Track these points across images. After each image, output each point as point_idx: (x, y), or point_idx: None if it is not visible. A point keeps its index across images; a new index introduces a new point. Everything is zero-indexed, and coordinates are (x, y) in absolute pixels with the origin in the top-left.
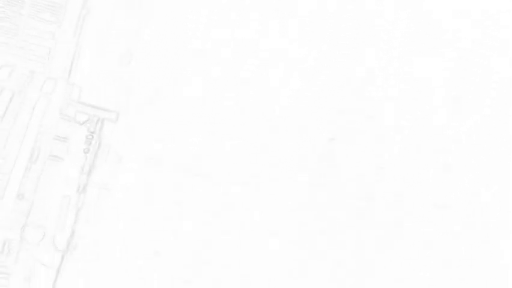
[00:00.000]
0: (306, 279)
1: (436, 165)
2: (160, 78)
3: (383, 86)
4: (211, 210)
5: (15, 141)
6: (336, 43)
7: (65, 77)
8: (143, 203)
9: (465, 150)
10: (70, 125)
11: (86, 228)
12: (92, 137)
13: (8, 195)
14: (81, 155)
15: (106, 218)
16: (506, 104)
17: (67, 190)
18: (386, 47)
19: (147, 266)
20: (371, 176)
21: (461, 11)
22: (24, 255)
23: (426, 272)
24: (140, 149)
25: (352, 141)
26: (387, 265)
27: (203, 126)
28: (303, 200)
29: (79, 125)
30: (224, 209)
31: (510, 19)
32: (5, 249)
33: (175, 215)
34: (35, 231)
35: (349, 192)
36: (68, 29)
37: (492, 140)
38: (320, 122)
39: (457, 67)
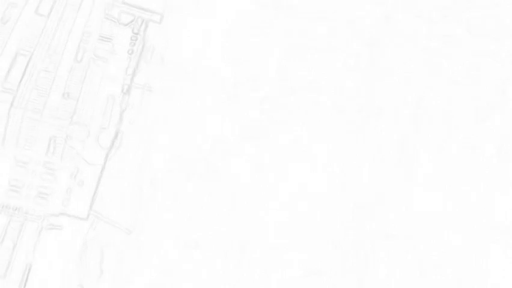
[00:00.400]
0: None
1: None
2: None
3: None
4: None
5: (60, 40)
6: None
7: None
8: (183, 106)
9: None
10: (115, 26)
11: (130, 129)
12: (137, 38)
13: (53, 93)
14: (125, 56)
15: (149, 119)
16: None
17: (112, 90)
18: None
19: (191, 158)
20: None
21: None
22: (70, 152)
23: None
24: (181, 52)
25: None
26: None
27: (243, 33)
28: None
29: (123, 26)
30: None
31: None
32: (51, 147)
33: None
34: (80, 129)
35: None
36: None
37: None
38: None
39: None
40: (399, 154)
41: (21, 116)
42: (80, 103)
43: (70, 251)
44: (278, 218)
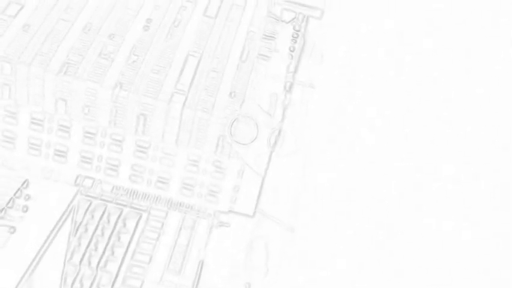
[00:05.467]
0: None
1: None
2: None
3: None
4: None
5: (226, 40)
6: None
7: None
8: (344, 101)
9: None
10: (277, 24)
11: (293, 126)
12: (298, 35)
13: (221, 92)
14: (287, 53)
15: (309, 114)
16: None
17: (274, 88)
18: None
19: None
20: None
21: None
22: (236, 151)
23: None
24: (341, 47)
25: None
26: None
27: None
28: None
29: (285, 24)
30: None
31: None
32: (219, 146)
33: None
34: (245, 127)
35: None
36: None
37: None
38: None
39: None
40: None
41: (193, 116)
42: (245, 102)
43: (237, 248)
44: None
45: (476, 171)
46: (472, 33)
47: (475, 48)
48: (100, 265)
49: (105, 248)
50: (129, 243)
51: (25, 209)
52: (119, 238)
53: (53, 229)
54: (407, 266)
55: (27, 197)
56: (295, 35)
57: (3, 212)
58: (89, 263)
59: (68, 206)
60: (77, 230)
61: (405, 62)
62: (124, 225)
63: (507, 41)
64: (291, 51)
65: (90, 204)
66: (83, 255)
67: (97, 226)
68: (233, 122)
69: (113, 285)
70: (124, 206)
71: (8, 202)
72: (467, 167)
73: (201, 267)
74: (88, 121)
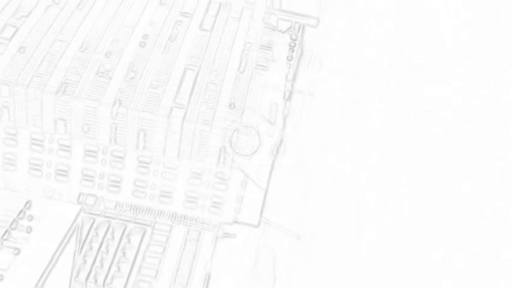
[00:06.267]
0: None
1: None
2: None
3: None
4: None
5: (224, 53)
6: None
7: None
8: (344, 108)
9: None
10: (273, 34)
11: (293, 133)
12: (295, 44)
13: (220, 104)
14: (285, 62)
15: (310, 122)
16: None
17: (274, 97)
18: None
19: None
20: None
21: None
22: (238, 162)
23: None
24: (338, 54)
25: None
26: None
27: None
28: None
29: (282, 33)
30: None
31: None
32: (221, 157)
33: None
34: (246, 138)
35: None
36: None
37: None
38: None
39: None
40: None
41: (193, 129)
42: (245, 112)
43: (244, 258)
44: None
45: (479, 172)
46: (472, 33)
47: (475, 48)
48: (107, 282)
49: (111, 265)
50: (135, 258)
51: (29, 230)
52: (124, 254)
53: (57, 248)
54: (414, 274)
55: (30, 218)
56: (292, 44)
57: (7, 233)
58: (96, 280)
59: (72, 224)
60: (82, 247)
61: (405, 65)
62: (129, 240)
63: (507, 41)
64: (288, 60)
65: (94, 221)
66: (89, 272)
67: (102, 243)
68: (233, 133)
69: None
70: (128, 221)
71: (12, 224)
72: (469, 169)
73: (208, 280)
74: (88, 139)
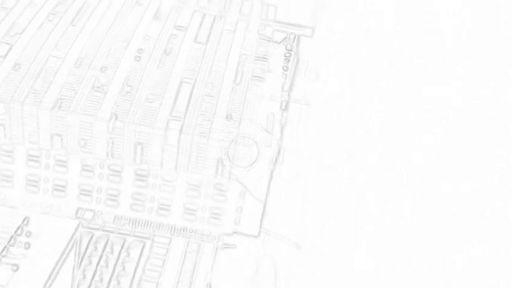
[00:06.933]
0: None
1: None
2: None
3: None
4: None
5: (219, 65)
6: None
7: None
8: (342, 114)
9: None
10: (269, 45)
11: (291, 143)
12: (290, 54)
13: (217, 116)
14: (280, 73)
15: (308, 132)
16: None
17: (271, 108)
18: None
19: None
20: None
21: None
22: (236, 173)
23: None
24: (334, 63)
25: None
26: None
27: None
28: None
29: (277, 44)
30: None
31: None
32: (219, 169)
33: None
34: (244, 148)
35: None
36: None
37: None
38: None
39: None
40: None
41: (190, 141)
42: (243, 124)
43: (244, 268)
44: None
45: (479, 172)
46: (472, 33)
47: (475, 48)
48: None
49: (110, 279)
50: (134, 271)
51: (27, 246)
52: (124, 267)
53: (56, 264)
54: (414, 274)
55: (28, 234)
56: (288, 55)
57: (5, 250)
58: None
59: (70, 239)
60: (81, 262)
61: (404, 65)
62: (128, 254)
63: (507, 41)
64: (284, 70)
65: (92, 236)
66: (89, 287)
67: (101, 257)
68: (231, 144)
69: None
70: (127, 235)
71: (10, 240)
72: (469, 169)
73: None
74: (85, 154)
